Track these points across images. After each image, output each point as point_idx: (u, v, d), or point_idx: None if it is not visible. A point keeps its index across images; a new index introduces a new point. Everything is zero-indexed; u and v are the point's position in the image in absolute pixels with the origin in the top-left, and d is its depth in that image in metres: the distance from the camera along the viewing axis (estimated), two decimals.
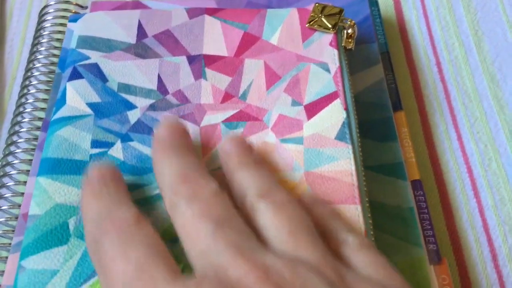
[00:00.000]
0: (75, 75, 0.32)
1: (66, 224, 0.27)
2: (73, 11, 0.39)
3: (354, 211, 0.27)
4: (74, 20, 0.36)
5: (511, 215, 0.33)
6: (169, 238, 0.27)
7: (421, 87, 0.38)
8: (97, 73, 0.32)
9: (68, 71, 0.32)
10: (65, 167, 0.29)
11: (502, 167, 0.34)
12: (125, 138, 0.30)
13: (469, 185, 0.34)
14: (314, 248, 0.22)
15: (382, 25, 0.39)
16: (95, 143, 0.30)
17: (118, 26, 0.34)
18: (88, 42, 0.33)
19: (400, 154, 0.32)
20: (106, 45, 0.33)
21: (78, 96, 0.31)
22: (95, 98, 0.31)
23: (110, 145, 0.30)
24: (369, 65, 0.36)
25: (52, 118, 0.31)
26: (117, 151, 0.30)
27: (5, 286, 0.27)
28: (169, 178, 0.25)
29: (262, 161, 0.28)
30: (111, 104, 0.31)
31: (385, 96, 0.34)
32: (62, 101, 0.31)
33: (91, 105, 0.31)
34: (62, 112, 0.31)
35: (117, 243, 0.22)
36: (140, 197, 0.28)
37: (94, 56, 0.33)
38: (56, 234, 0.27)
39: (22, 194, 0.31)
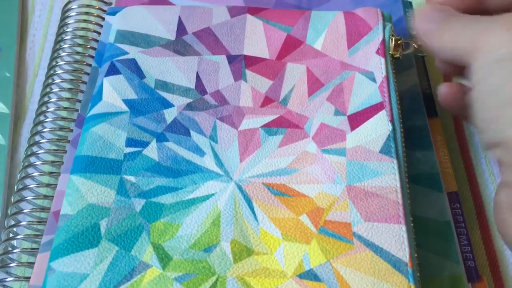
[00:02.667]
0: (113, 70, 0.31)
1: (97, 225, 0.26)
2: (97, 7, 0.38)
3: (398, 231, 0.26)
4: (112, 13, 0.34)
5: None
6: (203, 247, 0.26)
7: None
8: (134, 69, 0.31)
9: (106, 66, 0.31)
10: (99, 166, 0.28)
11: None
12: (160, 138, 0.29)
13: None
14: None
15: None
16: (130, 142, 0.29)
17: (158, 22, 0.33)
18: (127, 36, 0.32)
19: (436, 163, 0.31)
20: (145, 41, 0.32)
21: (114, 92, 0.30)
22: (132, 95, 0.30)
23: (145, 144, 0.29)
24: (403, 69, 0.34)
25: (87, 114, 0.30)
26: (152, 151, 0.29)
27: (32, 286, 0.26)
28: None
29: None
30: (147, 101, 0.30)
31: (419, 101, 0.33)
32: (98, 97, 0.30)
33: (127, 101, 0.30)
34: (98, 109, 0.30)
35: None
36: (174, 201, 0.27)
37: (132, 51, 0.32)
38: (87, 236, 0.26)
39: (45, 196, 0.31)
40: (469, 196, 0.33)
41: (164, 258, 0.25)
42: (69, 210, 0.26)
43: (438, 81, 0.37)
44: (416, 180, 0.31)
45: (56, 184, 0.30)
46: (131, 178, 0.28)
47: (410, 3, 0.38)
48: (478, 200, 0.33)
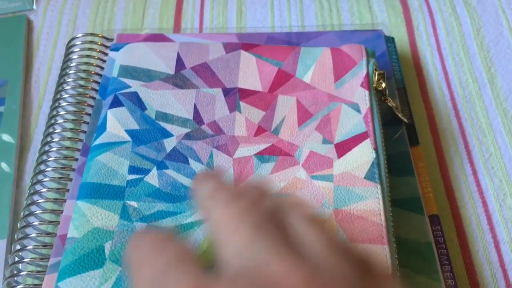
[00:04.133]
0: (116, 103, 0.33)
1: (102, 248, 0.28)
2: (99, 43, 0.40)
3: (381, 251, 0.28)
4: (115, 49, 0.37)
5: None
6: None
7: (436, 122, 0.39)
8: (136, 101, 0.33)
9: (110, 98, 0.33)
10: (103, 192, 0.30)
11: None
12: (161, 166, 0.31)
13: (485, 220, 0.35)
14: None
15: (399, 61, 0.40)
16: (132, 169, 0.31)
17: (158, 57, 0.35)
18: (129, 71, 0.35)
19: (418, 188, 0.33)
20: (146, 75, 0.35)
21: (118, 123, 0.32)
22: (134, 125, 0.32)
23: (146, 171, 0.31)
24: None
25: (92, 143, 0.32)
26: (153, 178, 0.31)
27: None
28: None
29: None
30: (148, 131, 0.32)
31: (402, 131, 0.36)
32: (102, 127, 0.32)
33: (129, 132, 0.32)
34: (102, 139, 0.32)
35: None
36: (173, 224, 0.29)
37: (134, 85, 0.34)
38: (92, 257, 0.28)
39: (50, 222, 0.32)
40: (450, 219, 0.35)
41: None
42: (75, 233, 0.28)
43: (419, 112, 0.40)
44: (399, 204, 0.32)
45: (61, 210, 0.32)
46: (134, 203, 0.30)
47: (392, 38, 0.41)
48: (459, 222, 0.35)
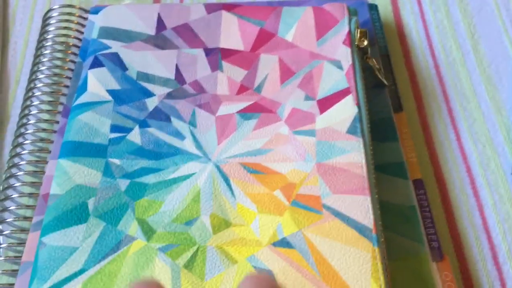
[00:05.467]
0: (96, 63, 0.33)
1: (85, 204, 0.28)
2: (77, 14, 0.39)
3: (363, 201, 0.28)
4: (95, 12, 0.37)
5: (510, 213, 0.34)
6: (184, 221, 0.28)
7: (420, 89, 0.39)
8: (117, 62, 0.33)
9: (90, 59, 0.33)
10: (85, 150, 0.30)
11: (501, 166, 0.35)
12: (143, 124, 0.31)
13: (469, 184, 0.35)
14: None
15: (382, 29, 0.40)
16: (114, 128, 0.31)
17: (138, 18, 0.35)
18: (109, 32, 0.34)
19: (401, 154, 0.33)
20: (126, 36, 0.34)
21: (98, 83, 0.32)
22: (115, 85, 0.32)
23: (128, 130, 0.31)
24: (370, 67, 0.36)
25: (73, 104, 0.32)
26: (135, 136, 0.31)
27: (25, 262, 0.28)
28: None
29: None
30: (130, 91, 0.32)
31: (385, 97, 0.36)
32: (83, 87, 0.32)
33: (111, 92, 0.32)
34: (83, 98, 0.32)
35: None
36: (156, 180, 0.29)
37: (115, 46, 0.34)
38: (76, 213, 0.28)
39: (29, 194, 0.31)
40: (434, 183, 0.35)
41: (148, 231, 0.27)
42: (58, 190, 0.28)
43: (403, 79, 0.40)
44: (383, 169, 0.33)
45: (40, 182, 0.32)
46: (116, 161, 0.30)
47: (376, 6, 0.41)
48: (443, 186, 0.35)
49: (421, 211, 0.32)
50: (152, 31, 0.35)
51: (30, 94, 0.36)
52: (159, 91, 0.32)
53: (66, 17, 0.39)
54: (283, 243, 0.27)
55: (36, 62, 0.37)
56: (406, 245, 0.30)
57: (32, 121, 0.34)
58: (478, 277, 0.32)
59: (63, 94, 0.35)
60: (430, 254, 0.30)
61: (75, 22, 0.39)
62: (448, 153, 0.36)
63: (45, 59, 0.37)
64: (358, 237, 0.27)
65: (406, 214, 0.31)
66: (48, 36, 0.38)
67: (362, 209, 0.28)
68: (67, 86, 0.36)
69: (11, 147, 0.34)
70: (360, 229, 0.27)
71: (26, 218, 0.31)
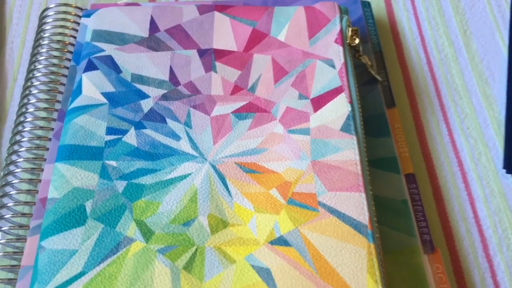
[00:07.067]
0: (90, 66, 0.33)
1: (83, 206, 0.28)
2: (73, 13, 0.40)
3: (358, 198, 0.28)
4: (87, 15, 0.37)
5: (500, 207, 0.34)
6: (182, 222, 0.28)
7: (413, 85, 0.40)
8: (111, 64, 0.33)
9: (84, 63, 0.33)
10: (81, 153, 0.30)
11: (492, 160, 0.36)
12: (138, 126, 0.31)
13: (460, 178, 0.36)
14: None
15: (375, 25, 0.40)
16: (110, 130, 0.31)
17: (131, 21, 0.35)
18: (102, 35, 0.35)
19: (394, 148, 0.34)
20: (120, 38, 0.34)
21: (93, 86, 0.32)
22: (110, 88, 0.32)
23: (124, 132, 0.31)
24: (363, 65, 0.37)
25: (68, 107, 0.32)
26: (131, 137, 0.31)
27: (24, 266, 0.28)
28: None
29: None
30: (125, 93, 0.32)
31: (378, 93, 0.36)
32: (78, 91, 0.32)
33: (105, 94, 0.32)
34: (78, 102, 0.32)
35: None
36: (153, 181, 0.29)
37: (108, 49, 0.34)
38: (74, 216, 0.28)
39: (28, 191, 0.32)
40: (426, 178, 0.36)
41: (147, 233, 0.27)
42: (55, 194, 0.28)
43: (396, 75, 0.40)
44: (376, 164, 0.33)
45: (38, 179, 0.32)
46: (113, 163, 0.30)
47: (369, 3, 0.41)
48: (435, 180, 0.36)
49: (413, 205, 0.33)
50: (145, 33, 0.35)
51: (25, 101, 0.36)
52: (154, 92, 0.33)
53: (62, 15, 0.40)
54: (281, 241, 0.27)
55: (32, 61, 0.38)
56: (399, 238, 0.30)
57: (27, 128, 0.34)
58: (469, 269, 0.32)
59: (58, 101, 0.35)
60: (422, 247, 0.31)
61: (71, 21, 0.40)
62: (440, 147, 0.37)
63: (41, 58, 0.37)
64: (354, 234, 0.27)
65: (399, 208, 0.31)
66: (45, 35, 0.38)
67: (357, 206, 0.28)
68: (61, 93, 0.36)
69: (6, 155, 0.34)
70: (356, 225, 0.27)
71: (22, 226, 0.31)
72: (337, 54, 0.34)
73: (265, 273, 0.26)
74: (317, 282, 0.26)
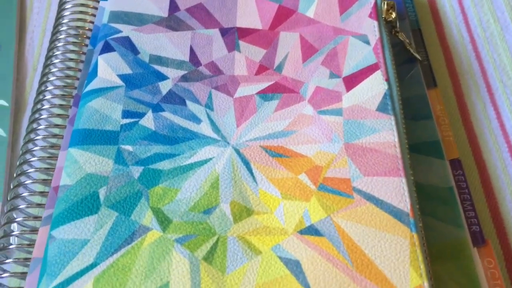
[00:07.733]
0: (107, 48, 0.31)
1: (96, 194, 0.26)
2: None
3: (398, 183, 0.25)
4: None
5: None
6: (203, 209, 0.26)
7: (455, 65, 0.37)
8: (128, 45, 0.31)
9: (100, 45, 0.31)
10: (96, 138, 0.28)
11: None
12: (156, 109, 0.29)
13: (511, 166, 0.32)
14: None
15: (413, 2, 0.38)
16: (126, 113, 0.29)
17: (150, 1, 0.33)
18: (120, 16, 0.33)
19: (437, 132, 0.31)
20: (138, 19, 0.32)
21: (109, 68, 0.30)
22: (127, 70, 0.30)
23: (141, 115, 0.29)
24: (400, 43, 0.34)
25: (83, 91, 0.30)
26: (148, 121, 0.29)
27: (35, 258, 0.26)
28: None
29: None
30: (142, 75, 0.30)
31: (418, 73, 0.33)
32: (93, 74, 0.30)
33: (122, 76, 0.30)
34: (93, 85, 0.30)
35: None
36: (172, 166, 0.27)
37: (126, 30, 0.32)
38: (86, 204, 0.26)
39: (44, 180, 0.30)
40: (473, 164, 0.33)
41: (164, 221, 0.25)
42: (68, 181, 0.26)
43: (436, 54, 0.37)
44: (417, 149, 0.30)
45: (53, 168, 0.30)
46: (129, 148, 0.28)
47: None
48: (483, 167, 0.33)
49: (460, 193, 0.30)
50: (164, 13, 0.33)
51: (43, 88, 0.35)
52: (173, 74, 0.30)
53: (82, 1, 0.38)
54: (311, 231, 0.24)
55: (51, 47, 0.37)
56: (444, 230, 0.28)
57: (44, 116, 0.33)
58: None
59: (76, 88, 0.34)
60: (470, 239, 0.28)
61: (91, 6, 0.38)
62: (488, 132, 0.34)
63: (60, 44, 0.36)
64: (394, 222, 0.24)
65: (443, 196, 0.29)
66: (63, 21, 0.37)
67: (397, 191, 0.25)
68: (79, 79, 0.34)
69: (22, 143, 0.33)
70: (396, 213, 0.24)
71: (36, 218, 0.30)
72: (372, 29, 0.31)
73: (294, 266, 0.23)
74: (353, 275, 0.23)
